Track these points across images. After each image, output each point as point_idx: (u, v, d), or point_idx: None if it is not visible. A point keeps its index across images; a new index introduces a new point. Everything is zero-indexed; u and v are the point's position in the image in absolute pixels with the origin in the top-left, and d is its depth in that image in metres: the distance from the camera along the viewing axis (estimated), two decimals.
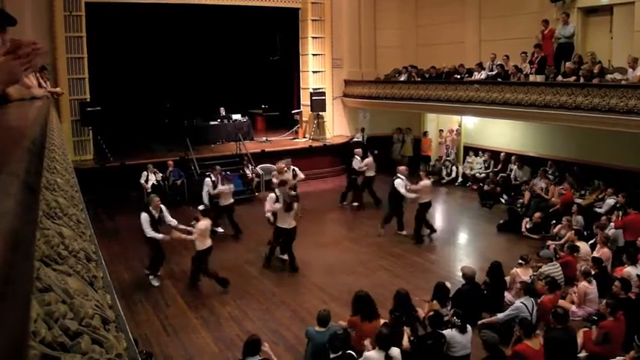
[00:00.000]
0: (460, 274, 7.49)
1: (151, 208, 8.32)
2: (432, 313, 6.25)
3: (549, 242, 9.54)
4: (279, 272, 9.10)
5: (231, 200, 10.80)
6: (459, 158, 15.84)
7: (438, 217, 12.82)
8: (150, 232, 8.17)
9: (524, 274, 7.55)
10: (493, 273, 7.53)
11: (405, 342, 5.64)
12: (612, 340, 6.00)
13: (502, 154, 14.28)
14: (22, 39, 1.64)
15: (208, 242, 8.17)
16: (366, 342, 5.59)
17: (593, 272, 7.48)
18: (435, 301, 6.63)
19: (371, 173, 12.71)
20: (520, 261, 7.75)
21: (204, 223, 8.11)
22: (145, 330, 7.03)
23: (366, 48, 17.47)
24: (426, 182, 10.56)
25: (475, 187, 14.15)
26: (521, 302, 6.57)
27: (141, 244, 8.96)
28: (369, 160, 12.63)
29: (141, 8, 14.29)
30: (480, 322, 6.73)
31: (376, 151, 16.07)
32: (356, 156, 12.87)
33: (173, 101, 16.65)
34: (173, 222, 8.47)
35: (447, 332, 5.84)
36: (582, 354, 6.14)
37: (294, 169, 11.37)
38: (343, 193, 13.14)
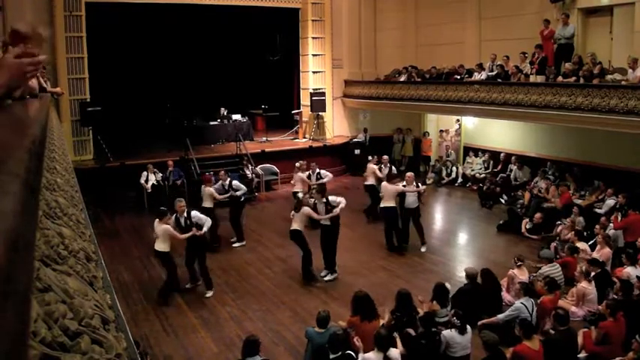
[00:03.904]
0: (460, 274, 7.50)
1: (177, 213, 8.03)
2: (422, 313, 6.26)
3: (554, 243, 9.50)
4: (279, 273, 9.09)
5: (210, 205, 9.78)
6: (459, 159, 15.85)
7: (438, 217, 12.82)
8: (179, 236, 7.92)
9: (521, 275, 7.55)
10: (486, 279, 7.47)
11: (399, 347, 5.62)
12: (612, 340, 6.00)
13: (502, 154, 14.29)
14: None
15: (168, 246, 7.91)
16: (357, 342, 5.59)
17: (593, 273, 7.48)
18: (434, 302, 6.63)
19: (371, 181, 11.60)
20: (519, 263, 7.74)
21: (165, 226, 7.82)
22: (145, 330, 7.03)
23: (366, 48, 17.47)
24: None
25: (475, 188, 14.14)
26: (521, 303, 6.58)
27: (141, 244, 8.94)
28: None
29: (141, 8, 14.30)
30: (480, 323, 6.73)
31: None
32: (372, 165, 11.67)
33: (173, 101, 16.65)
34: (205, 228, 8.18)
35: (446, 333, 5.84)
36: (582, 354, 6.14)
37: (318, 173, 11.50)
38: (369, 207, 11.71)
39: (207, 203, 9.73)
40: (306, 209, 8.57)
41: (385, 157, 11.91)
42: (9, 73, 1.42)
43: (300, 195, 10.11)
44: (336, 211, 8.67)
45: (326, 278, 8.69)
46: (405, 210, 9.86)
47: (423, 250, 9.97)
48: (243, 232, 10.46)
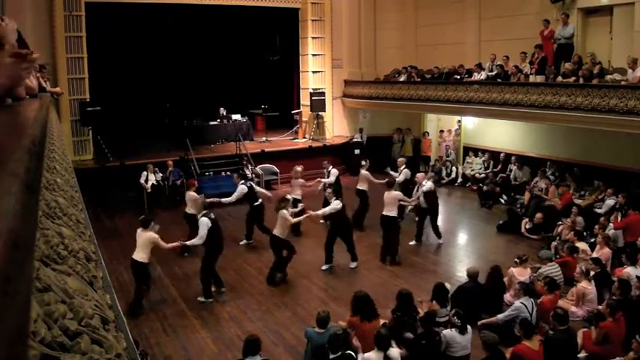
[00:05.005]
0: (460, 274, 7.51)
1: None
2: (423, 313, 6.27)
3: (554, 243, 9.50)
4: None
5: (193, 211, 9.16)
6: (459, 159, 15.85)
7: (438, 217, 12.80)
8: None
9: (520, 274, 7.54)
10: (493, 277, 7.49)
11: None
12: (612, 340, 6.01)
13: (502, 154, 14.29)
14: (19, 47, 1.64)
15: (147, 256, 7.42)
16: (355, 341, 5.59)
17: (593, 273, 7.48)
18: (434, 302, 6.64)
19: (363, 186, 11.16)
20: (516, 260, 7.74)
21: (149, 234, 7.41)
22: (145, 330, 7.03)
23: (365, 48, 17.47)
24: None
25: (475, 188, 14.14)
26: (521, 302, 6.58)
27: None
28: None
29: (141, 8, 14.31)
30: (480, 323, 6.73)
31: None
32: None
33: (173, 101, 16.67)
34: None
35: (447, 332, 5.84)
36: (582, 354, 6.14)
37: (328, 172, 11.54)
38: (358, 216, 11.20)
39: (191, 209, 9.32)
40: (283, 212, 8.36)
41: (401, 159, 12.00)
42: (7, 73, 1.41)
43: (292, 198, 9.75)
44: (318, 213, 9.15)
45: (351, 265, 9.12)
46: (421, 209, 10.35)
47: (411, 243, 10.14)
48: (251, 234, 10.45)
